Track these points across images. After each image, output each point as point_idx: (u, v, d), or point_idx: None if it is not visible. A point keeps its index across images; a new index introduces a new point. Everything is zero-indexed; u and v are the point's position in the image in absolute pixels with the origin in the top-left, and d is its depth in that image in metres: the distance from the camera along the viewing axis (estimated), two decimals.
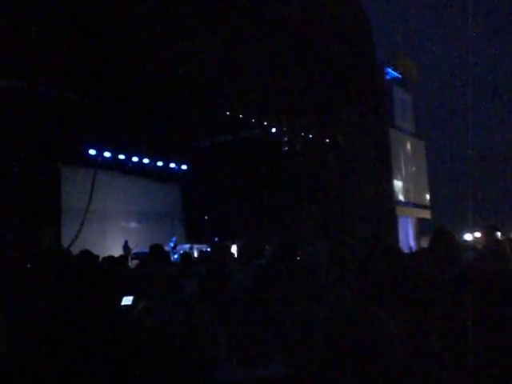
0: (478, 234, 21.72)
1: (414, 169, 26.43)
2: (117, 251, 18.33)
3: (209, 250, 20.37)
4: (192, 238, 25.00)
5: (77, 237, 20.84)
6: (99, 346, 3.16)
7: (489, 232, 8.14)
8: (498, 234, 7.85)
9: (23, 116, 17.72)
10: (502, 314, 3.29)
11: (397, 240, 21.97)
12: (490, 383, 3.10)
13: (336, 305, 3.71)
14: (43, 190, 19.11)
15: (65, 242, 19.46)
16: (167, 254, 9.14)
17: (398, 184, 24.41)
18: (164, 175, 27.43)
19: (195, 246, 22.03)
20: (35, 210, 18.30)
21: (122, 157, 24.81)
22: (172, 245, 21.30)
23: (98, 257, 5.77)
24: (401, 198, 24.54)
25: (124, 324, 3.80)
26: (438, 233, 4.99)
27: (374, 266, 4.41)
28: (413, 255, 8.38)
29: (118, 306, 4.86)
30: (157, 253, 7.58)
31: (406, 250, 13.88)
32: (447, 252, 4.75)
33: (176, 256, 19.36)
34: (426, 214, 27.29)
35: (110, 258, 8.06)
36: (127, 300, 4.99)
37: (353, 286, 4.18)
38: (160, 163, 27.14)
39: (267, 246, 12.70)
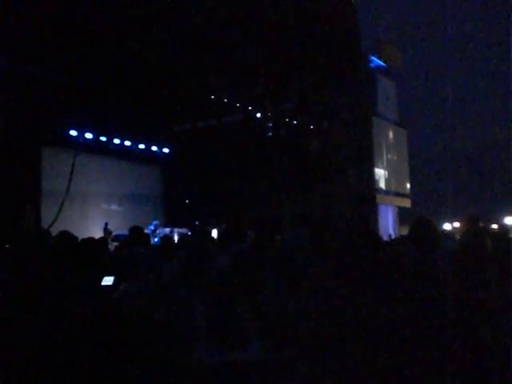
0: (456, 224, 21.91)
1: (395, 157, 26.55)
2: (97, 233, 18.27)
3: (189, 233, 20.37)
4: (172, 222, 24.96)
5: (56, 218, 20.74)
6: (79, 325, 3.15)
7: (469, 222, 8.21)
8: (479, 224, 7.93)
9: (3, 96, 17.54)
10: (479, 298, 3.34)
11: (377, 227, 22.09)
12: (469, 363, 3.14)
13: (314, 290, 3.72)
14: (23, 171, 18.95)
15: (45, 224, 19.35)
16: (147, 237, 9.12)
17: (379, 172, 24.52)
18: (145, 158, 27.35)
19: (176, 230, 22.01)
20: (15, 191, 18.16)
21: (103, 138, 24.67)
22: (152, 228, 21.26)
23: (77, 238, 5.73)
24: (382, 185, 24.67)
25: (104, 304, 3.79)
26: (419, 220, 5.02)
27: (353, 252, 4.44)
28: (392, 242, 8.44)
29: (99, 285, 4.84)
30: (137, 235, 7.56)
31: (385, 238, 13.99)
32: (427, 239, 4.79)
33: (156, 239, 19.33)
34: (406, 203, 27.46)
35: (90, 239, 8.03)
36: (108, 280, 4.97)
37: (332, 271, 4.20)
38: (142, 146, 27.04)
39: (248, 232, 12.72)
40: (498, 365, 3.17)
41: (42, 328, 3.18)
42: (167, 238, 8.69)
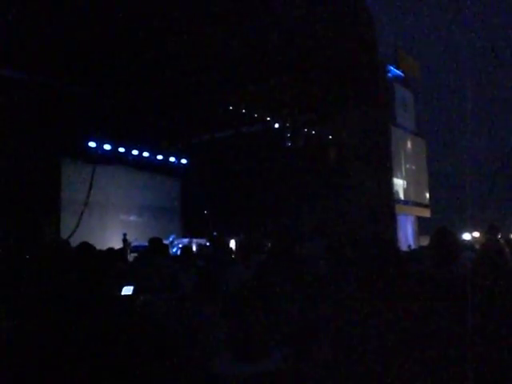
0: (476, 234, 21.74)
1: (414, 167, 26.43)
2: (116, 244, 18.32)
3: (208, 244, 20.38)
4: (191, 233, 24.97)
5: (76, 229, 20.86)
6: (99, 336, 3.16)
7: (488, 232, 8.15)
8: (499, 234, 7.87)
9: (23, 108, 17.71)
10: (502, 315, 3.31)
11: (396, 238, 21.98)
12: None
13: (335, 300, 3.71)
14: (43, 183, 19.10)
15: (64, 235, 19.47)
16: (166, 248, 9.15)
17: (398, 182, 24.41)
18: (164, 169, 27.44)
19: (194, 240, 22.02)
20: (35, 202, 18.30)
21: (121, 150, 24.82)
22: (170, 240, 21.27)
23: (96, 249, 5.75)
24: (401, 196, 24.55)
25: (124, 314, 3.80)
26: (440, 231, 4.99)
27: (372, 263, 4.42)
28: (412, 253, 8.39)
29: (119, 295, 4.86)
30: (156, 246, 7.58)
31: (405, 248, 13.91)
32: (448, 251, 4.76)
33: (175, 250, 19.36)
34: (426, 213, 27.30)
35: (110, 250, 8.07)
36: (127, 290, 4.99)
37: (351, 282, 4.19)
38: (160, 157, 27.15)
39: (267, 242, 12.72)
40: None
41: (61, 339, 3.19)
42: (187, 249, 8.71)
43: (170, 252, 17.66)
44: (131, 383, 3.08)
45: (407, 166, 25.69)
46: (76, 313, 3.35)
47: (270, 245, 11.20)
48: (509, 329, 3.31)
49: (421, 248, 10.39)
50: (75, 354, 3.08)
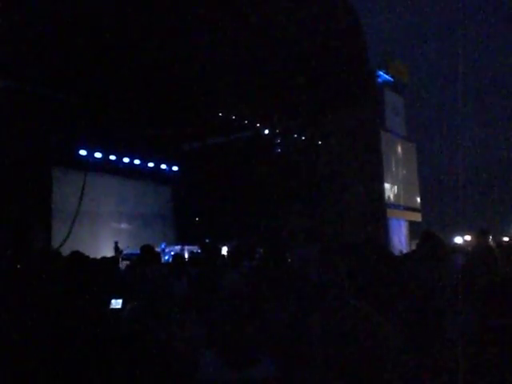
0: (468, 238, 21.81)
1: (404, 172, 26.48)
2: (107, 252, 18.28)
3: (199, 251, 20.33)
4: (183, 240, 24.94)
5: (67, 238, 20.79)
6: (87, 348, 3.15)
7: (480, 236, 8.18)
8: (489, 237, 7.90)
9: (13, 116, 17.66)
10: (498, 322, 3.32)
11: (387, 242, 22.01)
12: None
13: (327, 307, 3.72)
14: (33, 191, 19.02)
15: (55, 244, 19.39)
16: (158, 255, 9.13)
17: (388, 187, 24.46)
18: (155, 176, 27.44)
19: (186, 248, 21.97)
20: (25, 211, 18.21)
21: (112, 157, 24.79)
22: (161, 248, 21.20)
23: (88, 258, 5.74)
24: (391, 200, 24.59)
25: (112, 328, 3.79)
26: (425, 235, 5.02)
27: (365, 268, 4.43)
28: (403, 258, 8.40)
29: (107, 309, 4.83)
30: (148, 254, 7.57)
31: (396, 253, 13.92)
32: (434, 254, 4.78)
33: (167, 257, 19.31)
34: (417, 217, 27.35)
35: (103, 259, 8.06)
36: (116, 303, 4.95)
37: (344, 288, 4.19)
38: (151, 164, 27.13)
39: (258, 249, 12.70)
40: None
41: (49, 349, 3.18)
42: (178, 256, 8.70)
43: (162, 259, 17.62)
44: None
45: (398, 170, 25.74)
46: (65, 324, 3.35)
47: (261, 251, 11.20)
48: (501, 328, 3.32)
49: (412, 252, 10.40)
50: (63, 365, 3.08)
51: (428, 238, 5.00)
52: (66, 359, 3.09)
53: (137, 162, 26.10)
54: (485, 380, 3.10)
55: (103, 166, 24.15)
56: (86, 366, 3.07)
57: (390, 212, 24.06)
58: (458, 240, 23.06)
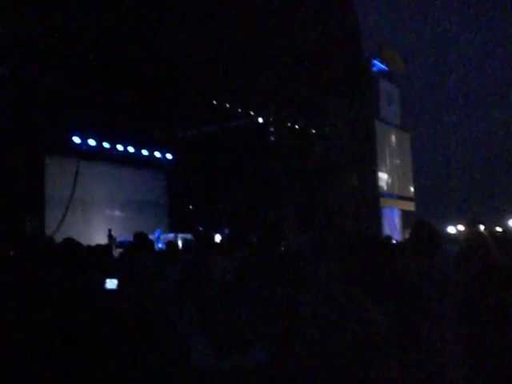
0: (460, 227, 21.87)
1: (398, 161, 26.54)
2: (101, 240, 18.27)
3: (193, 239, 20.33)
4: (176, 228, 24.95)
5: (60, 225, 20.75)
6: (82, 332, 3.16)
7: (470, 225, 8.21)
8: (481, 226, 7.93)
9: (6, 103, 17.59)
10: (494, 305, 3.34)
11: (380, 231, 22.08)
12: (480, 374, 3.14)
13: (320, 295, 3.74)
14: (27, 178, 18.96)
15: (48, 231, 19.36)
16: (151, 243, 9.12)
17: (382, 176, 24.51)
18: (149, 164, 27.38)
19: (179, 235, 21.98)
20: (19, 199, 18.17)
21: (106, 145, 24.70)
22: (156, 235, 21.21)
23: (81, 245, 5.73)
24: (385, 189, 24.65)
25: (108, 308, 3.80)
26: (419, 224, 5.04)
27: (358, 257, 4.44)
28: (395, 246, 8.42)
29: (103, 289, 4.83)
30: (141, 241, 7.56)
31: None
32: (427, 243, 4.80)
33: (160, 245, 19.32)
34: (410, 206, 27.44)
35: (97, 246, 8.06)
36: (112, 283, 4.95)
37: (337, 277, 4.21)
38: (145, 152, 27.05)
39: (252, 238, 12.72)
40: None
41: (45, 333, 3.19)
42: (172, 244, 8.70)
43: (156, 247, 17.62)
44: (108, 373, 3.08)
45: (392, 159, 25.80)
46: (59, 308, 3.35)
47: (255, 239, 11.21)
48: (494, 315, 3.34)
49: (404, 241, 10.44)
50: (60, 349, 3.09)
51: (421, 226, 5.02)
52: (61, 342, 3.11)
53: (131, 149, 26.01)
54: (474, 361, 3.12)
55: (97, 154, 24.07)
56: (81, 349, 3.09)
57: (383, 201, 24.13)
58: (451, 230, 23.10)
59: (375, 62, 25.06)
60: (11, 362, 3.16)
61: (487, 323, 3.31)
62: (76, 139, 23.07)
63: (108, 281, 4.95)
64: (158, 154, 27.94)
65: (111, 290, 4.86)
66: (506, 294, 3.42)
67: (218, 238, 18.36)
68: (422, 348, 3.36)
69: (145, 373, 3.16)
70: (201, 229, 22.55)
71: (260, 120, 25.74)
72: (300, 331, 3.10)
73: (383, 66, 25.65)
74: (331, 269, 4.51)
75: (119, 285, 4.91)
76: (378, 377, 2.44)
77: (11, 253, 7.15)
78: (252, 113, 25.57)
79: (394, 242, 17.18)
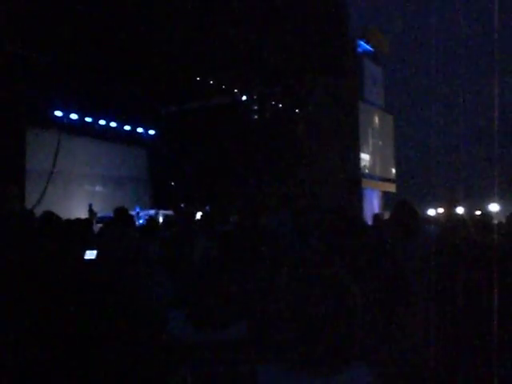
0: (440, 210, 22.06)
1: (380, 142, 26.61)
2: (81, 214, 18.20)
3: (174, 215, 20.33)
4: (158, 204, 24.95)
5: (41, 199, 20.65)
6: (63, 303, 3.16)
7: (450, 207, 8.30)
8: (460, 208, 8.02)
9: None
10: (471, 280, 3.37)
11: (361, 212, 22.18)
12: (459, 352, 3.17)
13: (298, 270, 3.76)
14: (7, 151, 18.80)
15: (28, 204, 19.24)
16: (132, 219, 9.11)
17: (364, 157, 24.58)
18: (131, 139, 27.26)
19: (160, 212, 21.97)
20: None
21: (88, 119, 24.56)
22: (135, 211, 21.16)
23: (61, 219, 5.71)
24: (367, 170, 24.74)
25: (85, 277, 3.79)
26: (400, 205, 5.07)
27: (338, 235, 4.47)
28: (376, 227, 8.49)
29: (82, 260, 4.84)
30: (122, 216, 7.55)
31: (370, 223, 14.05)
32: (408, 223, 4.83)
33: (141, 221, 19.30)
34: (391, 188, 27.58)
35: (76, 220, 8.03)
36: (91, 254, 4.96)
37: (317, 253, 4.23)
38: (127, 127, 26.93)
39: (232, 215, 12.74)
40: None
41: (24, 306, 3.19)
42: (152, 220, 8.71)
43: (136, 223, 17.60)
44: (88, 348, 3.09)
45: (374, 141, 25.86)
46: (39, 280, 3.34)
47: (235, 216, 11.24)
48: (475, 299, 3.37)
49: (385, 221, 10.51)
50: (43, 322, 3.08)
51: (403, 207, 5.05)
52: (41, 311, 3.10)
53: (113, 124, 25.88)
54: (448, 340, 3.16)
55: (79, 128, 23.92)
56: (60, 317, 3.09)
57: (364, 182, 24.22)
58: (431, 212, 23.34)
59: (360, 42, 25.02)
60: None
61: (461, 303, 3.35)
62: (58, 113, 22.90)
63: (88, 252, 4.96)
64: (140, 130, 27.82)
65: (90, 260, 4.87)
66: (481, 272, 3.45)
67: (199, 214, 18.36)
68: (399, 328, 3.39)
69: (118, 342, 3.17)
70: (182, 206, 22.55)
71: (243, 98, 25.67)
72: (278, 307, 3.11)
73: (368, 47, 25.62)
74: (311, 245, 4.54)
75: (98, 255, 4.93)
76: (354, 354, 2.46)
77: None
78: (235, 90, 25.49)
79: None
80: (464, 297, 3.35)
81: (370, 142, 25.43)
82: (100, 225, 16.79)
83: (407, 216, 4.87)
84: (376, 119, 26.31)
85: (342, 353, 2.16)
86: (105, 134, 25.49)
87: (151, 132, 28.35)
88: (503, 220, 8.41)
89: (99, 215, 20.63)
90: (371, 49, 25.91)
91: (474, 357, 3.13)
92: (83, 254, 4.95)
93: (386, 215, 23.50)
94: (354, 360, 2.18)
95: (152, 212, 22.04)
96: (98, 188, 25.82)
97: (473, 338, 3.13)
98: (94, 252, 4.95)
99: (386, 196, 27.12)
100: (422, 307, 3.51)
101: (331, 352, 2.15)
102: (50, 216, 5.22)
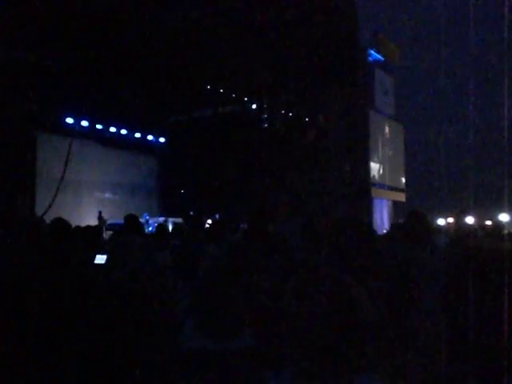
0: (450, 220, 21.94)
1: (390, 152, 26.58)
2: (91, 221, 18.25)
3: (183, 223, 20.34)
4: (167, 212, 24.97)
5: (51, 206, 20.68)
6: (72, 310, 3.16)
7: (460, 217, 8.26)
8: (470, 218, 7.99)
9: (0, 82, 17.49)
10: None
11: (371, 221, 22.13)
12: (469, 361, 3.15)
13: (309, 281, 3.75)
14: (18, 158, 18.87)
15: (38, 211, 19.29)
16: (142, 226, 9.12)
17: (374, 166, 24.55)
18: (141, 147, 27.31)
19: (170, 220, 21.98)
20: (10, 178, 18.09)
21: (99, 126, 24.64)
22: (145, 218, 21.19)
23: (71, 226, 5.72)
24: (376, 179, 24.70)
25: (96, 284, 3.80)
26: (413, 214, 5.04)
27: (349, 244, 4.45)
28: (387, 235, 8.45)
29: (92, 264, 4.84)
30: (132, 224, 7.55)
31: (380, 232, 14.01)
32: (420, 233, 4.81)
33: (150, 229, 19.32)
34: (401, 197, 27.52)
35: (85, 227, 8.04)
36: (100, 259, 4.95)
37: (327, 263, 4.22)
38: (138, 135, 26.99)
39: (242, 224, 12.73)
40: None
41: (34, 313, 3.19)
42: (162, 227, 8.70)
43: (146, 230, 17.61)
44: (93, 352, 3.09)
45: (384, 150, 25.83)
46: (49, 287, 3.35)
47: (245, 225, 11.22)
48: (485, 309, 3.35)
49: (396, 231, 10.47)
50: (51, 328, 3.09)
51: (415, 217, 5.02)
52: (51, 315, 3.11)
53: (123, 132, 25.96)
54: (458, 350, 3.14)
55: (89, 135, 24.00)
56: (74, 326, 3.09)
57: (374, 191, 24.19)
58: (441, 222, 23.20)
59: (371, 51, 25.03)
60: (6, 339, 3.16)
61: (472, 313, 3.33)
62: (69, 120, 23.00)
63: (98, 256, 4.95)
64: (150, 137, 27.88)
65: (99, 265, 4.87)
66: (490, 284, 3.43)
67: (209, 222, 18.37)
68: (409, 337, 3.38)
69: (134, 353, 3.17)
70: (192, 213, 22.56)
71: (253, 106, 25.70)
72: (288, 317, 3.10)
73: (379, 56, 25.63)
74: (321, 255, 4.52)
75: (107, 260, 4.91)
76: (364, 364, 2.44)
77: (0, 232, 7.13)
78: (245, 99, 25.52)
79: (385, 231, 17.24)
80: (476, 306, 3.33)
81: (380, 151, 25.41)
82: (110, 232, 16.85)
83: (419, 226, 4.84)
84: (386, 128, 26.29)
85: (352, 363, 2.15)
86: (115, 142, 25.57)
87: (161, 140, 28.42)
88: None
89: (109, 222, 20.66)
90: (382, 58, 25.92)
91: (486, 367, 3.11)
92: (93, 258, 4.94)
93: None
94: (364, 370, 2.16)
95: (161, 219, 22.06)
96: (108, 195, 25.87)
97: (485, 348, 3.11)
98: (104, 257, 4.94)
99: (395, 205, 27.06)
100: (433, 317, 3.49)
101: (341, 362, 2.14)
102: (60, 223, 5.22)
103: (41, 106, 19.71)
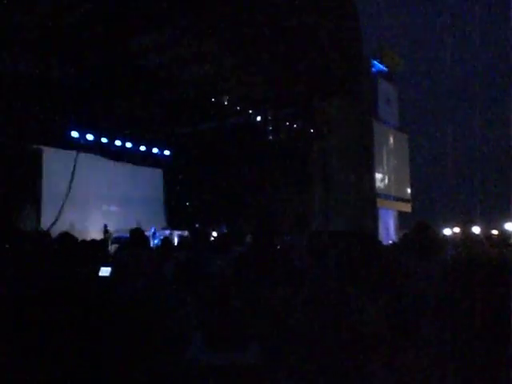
0: (456, 230, 21.90)
1: (395, 162, 26.54)
2: (97, 235, 18.26)
3: (189, 236, 20.34)
4: (173, 224, 24.97)
5: (57, 220, 20.72)
6: (77, 322, 3.16)
7: (466, 227, 8.25)
8: (476, 228, 7.97)
9: (4, 96, 17.56)
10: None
11: (377, 232, 22.09)
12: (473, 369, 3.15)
13: (315, 294, 3.74)
14: (24, 172, 18.94)
15: (44, 225, 19.33)
16: (147, 239, 9.12)
17: (379, 177, 24.52)
18: (146, 160, 27.34)
19: (175, 232, 21.98)
20: (16, 192, 18.15)
21: (104, 140, 24.68)
22: (152, 231, 21.19)
23: (77, 240, 5.72)
24: (382, 190, 24.66)
25: (102, 296, 3.80)
26: (420, 225, 5.03)
27: (354, 257, 4.44)
28: (393, 247, 8.44)
29: (96, 277, 4.85)
30: (137, 237, 7.56)
31: (385, 243, 13.98)
32: (427, 245, 4.80)
33: (156, 241, 19.32)
34: (407, 208, 27.45)
35: (92, 241, 8.06)
36: (105, 271, 4.96)
37: (332, 275, 4.21)
38: (143, 148, 27.03)
39: (248, 236, 12.72)
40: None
41: (39, 326, 3.19)
42: (167, 240, 8.71)
43: (152, 243, 17.62)
44: (104, 364, 3.09)
45: (389, 160, 25.80)
46: (56, 301, 3.35)
47: (250, 237, 11.21)
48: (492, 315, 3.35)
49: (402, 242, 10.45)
50: (57, 338, 3.09)
51: (423, 228, 5.01)
52: (57, 330, 3.11)
53: (128, 145, 25.99)
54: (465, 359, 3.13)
55: (95, 148, 24.04)
56: (78, 337, 3.09)
57: (379, 202, 24.14)
58: (447, 232, 23.15)
59: (375, 62, 25.06)
60: (11, 351, 3.16)
61: (478, 323, 3.32)
62: (74, 133, 23.05)
63: (102, 268, 4.96)
64: (155, 150, 27.92)
65: (104, 277, 4.88)
66: (496, 293, 3.42)
67: (214, 235, 18.36)
68: (417, 349, 3.36)
69: (139, 364, 3.16)
70: (197, 226, 22.57)
71: (258, 118, 25.74)
72: (295, 330, 3.10)
73: (382, 67, 25.66)
74: (327, 268, 4.52)
75: (112, 272, 4.93)
76: (372, 376, 2.44)
77: (6, 246, 7.14)
78: (250, 111, 25.57)
79: (391, 242, 17.21)
80: (482, 316, 3.32)
81: (385, 161, 25.38)
82: (116, 245, 16.86)
83: (427, 238, 4.83)
84: (391, 139, 26.27)
85: (356, 378, 2.15)
86: (120, 155, 25.59)
87: (166, 152, 28.44)
88: None
89: (114, 235, 20.66)
90: (385, 68, 25.95)
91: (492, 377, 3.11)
92: (98, 270, 4.96)
93: (401, 236, 23.39)
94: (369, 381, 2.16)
95: (167, 232, 22.05)
96: (113, 208, 25.86)
97: (491, 356, 3.11)
98: (109, 269, 4.96)
99: (401, 216, 27.00)
100: (439, 328, 3.48)
101: (345, 376, 2.14)
102: (65, 237, 5.23)
103: (46, 119, 19.80)
